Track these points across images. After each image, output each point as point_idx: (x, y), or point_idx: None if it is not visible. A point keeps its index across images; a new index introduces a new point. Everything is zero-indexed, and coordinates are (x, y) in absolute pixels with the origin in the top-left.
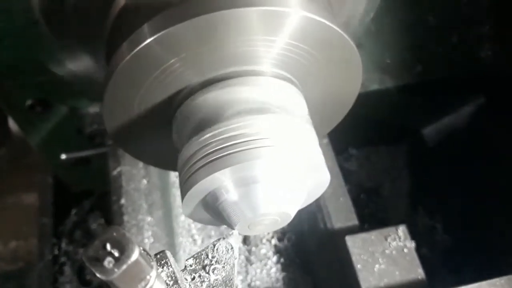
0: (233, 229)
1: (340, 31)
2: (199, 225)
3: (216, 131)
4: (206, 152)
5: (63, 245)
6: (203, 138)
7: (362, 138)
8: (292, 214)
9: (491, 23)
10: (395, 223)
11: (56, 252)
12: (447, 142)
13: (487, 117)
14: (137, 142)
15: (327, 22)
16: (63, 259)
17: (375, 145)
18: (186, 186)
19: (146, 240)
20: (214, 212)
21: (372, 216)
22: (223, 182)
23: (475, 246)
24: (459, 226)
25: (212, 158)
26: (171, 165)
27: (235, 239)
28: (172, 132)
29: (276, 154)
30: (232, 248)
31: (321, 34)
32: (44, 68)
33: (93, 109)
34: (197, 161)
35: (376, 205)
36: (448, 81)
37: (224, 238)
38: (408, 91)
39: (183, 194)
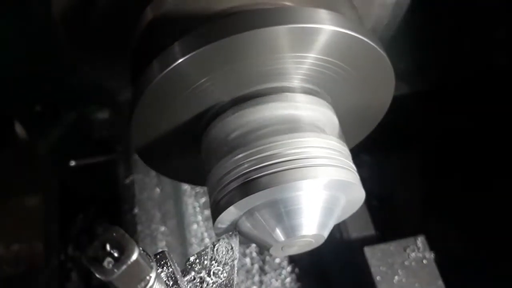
0: (267, 250)
1: (373, 44)
2: (212, 234)
3: (249, 152)
4: (239, 174)
5: (69, 250)
6: (235, 158)
7: (375, 144)
8: (326, 235)
9: (506, 28)
10: (408, 230)
11: (62, 257)
12: (460, 149)
13: (502, 123)
14: (164, 159)
15: (360, 36)
16: (69, 265)
17: (387, 151)
18: (219, 208)
19: (159, 250)
20: (246, 234)
21: (384, 223)
22: (258, 204)
23: (490, 254)
24: (474, 234)
25: (245, 180)
26: (197, 181)
27: (234, 240)
28: (200, 150)
29: (312, 176)
30: (232, 248)
31: (353, 48)
32: (56, 75)
33: (102, 115)
34: (230, 182)
35: (389, 212)
36: (462, 87)
37: (223, 239)
38: (422, 97)
39: (215, 216)
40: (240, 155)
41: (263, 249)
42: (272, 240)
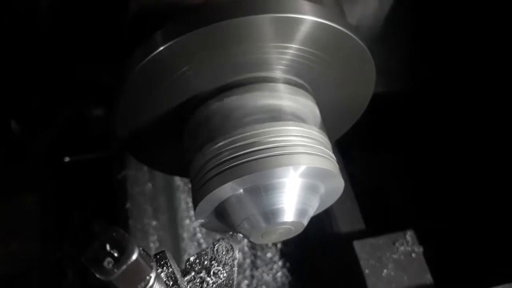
0: (248, 238)
1: (354, 36)
2: (204, 230)
3: (230, 139)
4: (220, 161)
5: (66, 248)
6: (216, 146)
7: (367, 141)
8: (305, 223)
9: (495, 28)
10: (399, 226)
11: (58, 255)
12: (453, 146)
13: (494, 120)
14: (148, 149)
15: (341, 28)
16: (65, 262)
17: (380, 148)
18: (200, 194)
19: (151, 245)
20: (227, 221)
21: (376, 219)
22: (237, 191)
23: (482, 250)
24: (466, 230)
25: (227, 167)
26: (181, 172)
27: (234, 240)
28: (183, 140)
29: (291, 163)
30: (232, 248)
31: (335, 40)
32: (51, 72)
33: (98, 112)
34: (210, 169)
35: (381, 208)
36: (454, 85)
37: (223, 239)
38: (414, 94)
39: (195, 203)
40: (221, 143)
41: (244, 236)
42: (252, 227)
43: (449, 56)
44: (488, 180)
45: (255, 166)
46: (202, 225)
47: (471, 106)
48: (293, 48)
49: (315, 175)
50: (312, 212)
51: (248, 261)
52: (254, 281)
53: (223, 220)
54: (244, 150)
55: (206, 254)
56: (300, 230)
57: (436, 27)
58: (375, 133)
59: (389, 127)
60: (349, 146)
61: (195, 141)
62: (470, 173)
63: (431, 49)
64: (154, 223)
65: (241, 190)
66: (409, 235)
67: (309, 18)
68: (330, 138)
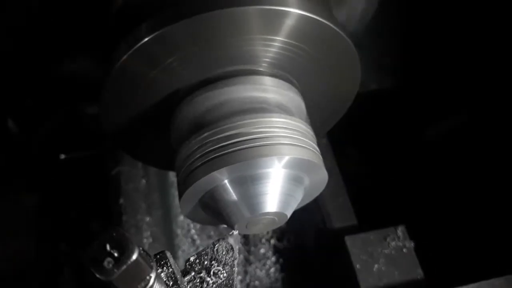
0: (232, 228)
1: (338, 29)
2: (198, 226)
3: (214, 130)
4: (204, 151)
5: (63, 246)
6: (201, 137)
7: (361, 138)
8: (289, 214)
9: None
10: (394, 223)
11: (55, 253)
12: (447, 143)
13: (486, 116)
14: (135, 142)
15: (325, 21)
16: (62, 260)
17: (374, 145)
18: (184, 185)
19: (145, 240)
20: (212, 212)
21: (370, 216)
22: (221, 181)
23: (474, 245)
24: (459, 226)
25: (210, 157)
26: (169, 165)
27: (234, 240)
28: (170, 132)
29: (274, 154)
30: (232, 248)
31: (319, 33)
32: (46, 69)
33: (93, 109)
34: (195, 160)
35: (375, 205)
36: (448, 83)
37: (223, 239)
38: (408, 91)
39: (181, 193)
40: (206, 134)
41: (229, 227)
42: (236, 218)
43: (439, 52)
44: (479, 176)
45: (239, 156)
46: (187, 215)
47: (464, 102)
48: (278, 41)
49: (298, 166)
50: (296, 203)
51: (241, 256)
52: (248, 277)
53: (209, 211)
54: (228, 140)
55: (206, 254)
56: (284, 221)
57: (424, 26)
58: (368, 130)
59: (381, 124)
60: (341, 142)
61: (181, 133)
62: (462, 169)
63: (421, 46)
64: (148, 219)
65: (226, 181)
66: (400, 230)
67: (294, 11)
68: (316, 131)
